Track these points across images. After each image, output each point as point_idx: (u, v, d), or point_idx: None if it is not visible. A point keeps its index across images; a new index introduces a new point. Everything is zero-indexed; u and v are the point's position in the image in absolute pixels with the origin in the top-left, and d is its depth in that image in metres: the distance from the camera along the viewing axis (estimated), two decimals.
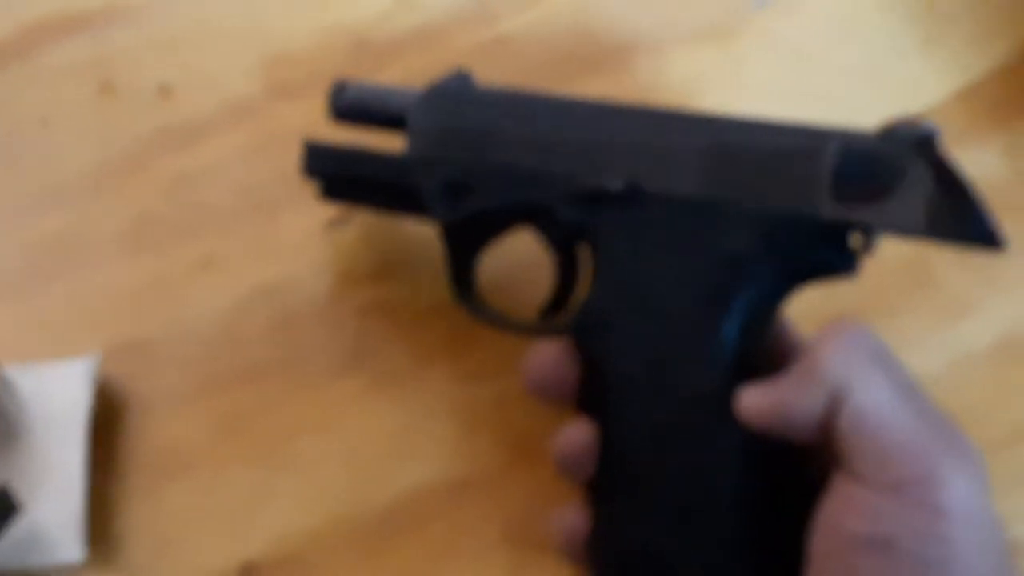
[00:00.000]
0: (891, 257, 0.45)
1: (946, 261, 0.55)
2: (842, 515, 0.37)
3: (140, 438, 0.52)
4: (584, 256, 0.48)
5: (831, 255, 0.42)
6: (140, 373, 0.53)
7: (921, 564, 0.35)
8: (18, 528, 0.48)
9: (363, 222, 0.56)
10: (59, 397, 0.51)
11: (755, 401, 0.40)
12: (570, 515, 0.44)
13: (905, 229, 0.40)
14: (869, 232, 0.41)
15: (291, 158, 0.55)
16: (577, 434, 0.43)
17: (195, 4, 0.62)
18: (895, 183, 0.40)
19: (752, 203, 0.42)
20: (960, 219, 0.39)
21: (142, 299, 0.55)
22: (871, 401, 0.38)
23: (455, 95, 0.50)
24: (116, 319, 0.54)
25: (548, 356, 0.45)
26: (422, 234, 0.55)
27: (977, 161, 0.56)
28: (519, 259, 0.55)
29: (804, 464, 0.41)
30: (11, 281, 0.55)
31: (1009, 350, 0.54)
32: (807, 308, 0.47)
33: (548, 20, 0.62)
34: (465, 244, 0.50)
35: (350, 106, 0.52)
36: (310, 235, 0.56)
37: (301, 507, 0.51)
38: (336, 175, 0.51)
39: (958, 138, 0.58)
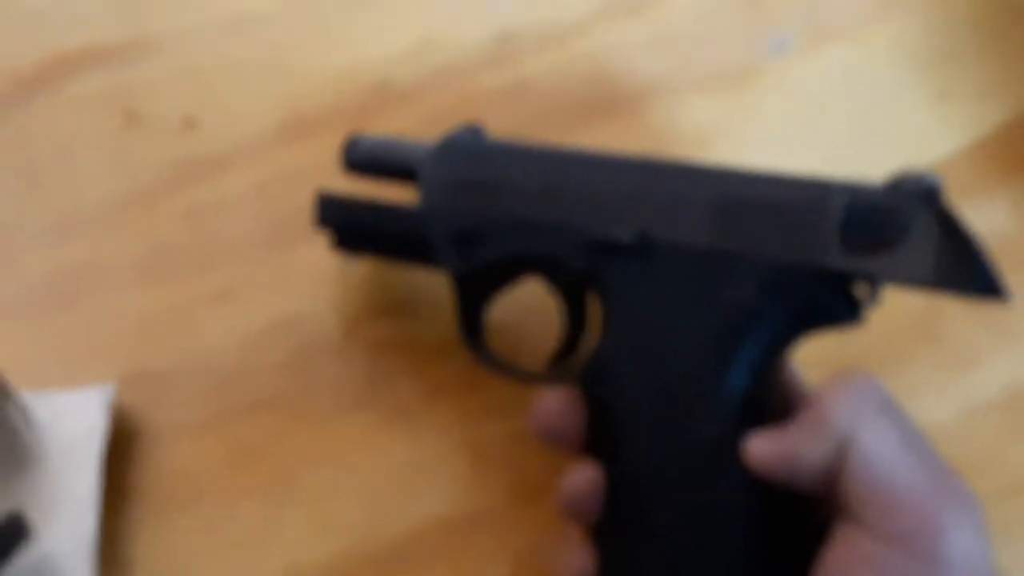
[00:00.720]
0: (899, 308, 0.45)
1: (954, 313, 0.55)
2: (846, 564, 0.38)
3: (152, 467, 0.52)
4: (593, 304, 0.49)
5: (837, 304, 0.43)
6: (153, 402, 0.54)
7: None
8: (30, 554, 0.49)
9: (377, 259, 0.57)
10: (74, 425, 0.52)
11: (762, 448, 0.40)
12: (577, 556, 0.44)
13: (912, 280, 0.41)
14: (875, 282, 0.42)
15: (309, 195, 0.56)
16: (584, 476, 0.44)
17: (220, 38, 0.63)
18: (902, 235, 0.41)
19: (760, 253, 0.43)
20: (966, 270, 0.40)
21: (157, 329, 0.55)
22: (877, 451, 0.38)
23: (466, 148, 0.50)
24: (131, 348, 0.55)
25: (555, 403, 0.46)
26: (436, 272, 0.56)
27: (986, 215, 0.57)
28: (528, 305, 0.56)
29: (807, 513, 0.42)
30: (29, 307, 0.56)
31: (1015, 401, 0.54)
32: (816, 357, 0.47)
33: (566, 64, 0.63)
34: (475, 293, 0.50)
35: (362, 159, 0.53)
36: (325, 270, 0.57)
37: (310, 539, 0.51)
38: (348, 226, 0.52)
39: (967, 192, 0.59)
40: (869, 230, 0.42)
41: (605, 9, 0.64)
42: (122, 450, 0.52)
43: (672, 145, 0.53)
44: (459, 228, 0.49)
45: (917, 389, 0.42)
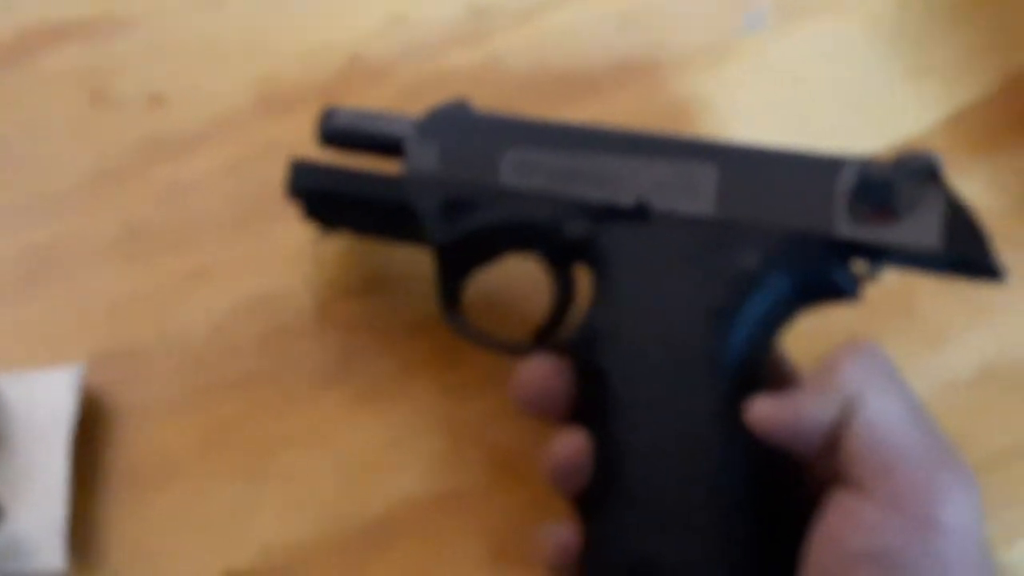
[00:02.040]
0: (874, 287, 0.45)
1: (928, 291, 0.55)
2: (842, 529, 0.38)
3: (125, 447, 0.52)
4: (580, 279, 0.49)
5: (840, 277, 0.44)
6: (126, 382, 0.53)
7: (909, 573, 0.36)
8: (0, 534, 0.48)
9: (351, 235, 0.56)
10: (43, 405, 0.51)
11: (766, 409, 0.40)
12: (561, 530, 0.44)
13: (921, 249, 0.42)
14: (882, 253, 0.43)
15: (281, 172, 0.55)
16: (571, 443, 0.43)
17: (189, 15, 0.62)
18: (910, 207, 0.42)
19: (765, 222, 0.44)
20: (971, 241, 0.42)
21: (129, 308, 0.55)
22: (882, 414, 0.39)
23: (455, 119, 0.50)
24: (103, 328, 0.54)
25: (538, 370, 0.45)
26: (411, 249, 0.55)
27: (962, 190, 0.56)
28: (505, 284, 0.55)
29: (799, 482, 0.42)
30: None
31: (990, 378, 0.54)
32: (795, 336, 0.47)
33: (540, 41, 0.63)
34: (457, 265, 0.50)
35: (340, 131, 0.52)
36: (299, 248, 0.56)
37: (286, 519, 0.51)
38: (325, 194, 0.51)
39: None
40: (878, 202, 0.43)
41: None
42: (95, 430, 0.52)
43: (649, 122, 0.53)
44: (447, 196, 0.48)
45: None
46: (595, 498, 0.43)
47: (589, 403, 0.45)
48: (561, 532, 0.44)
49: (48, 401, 0.51)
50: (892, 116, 0.61)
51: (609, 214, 0.46)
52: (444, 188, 0.49)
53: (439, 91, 0.57)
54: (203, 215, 0.57)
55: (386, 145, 0.51)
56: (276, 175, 0.55)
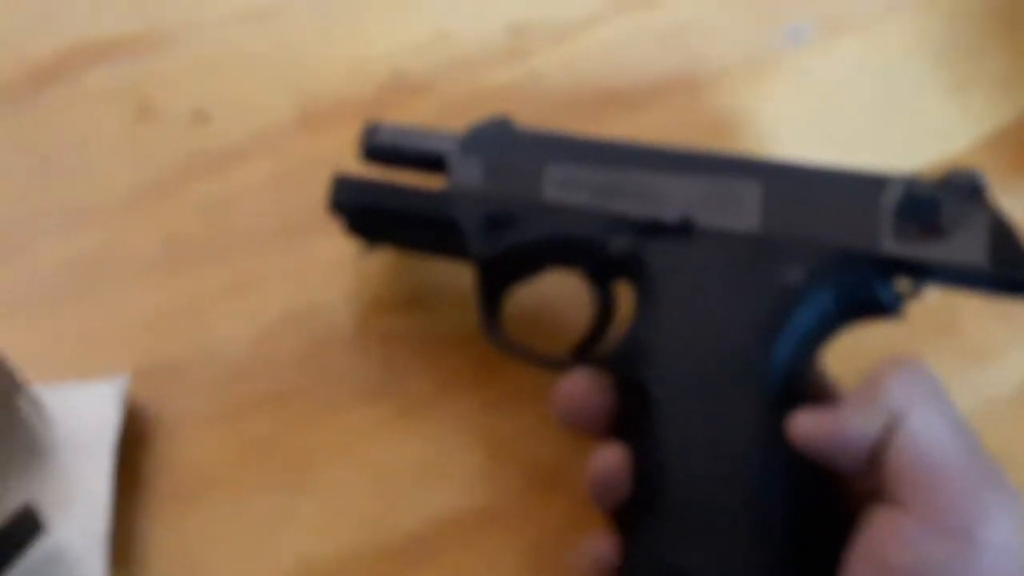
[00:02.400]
0: (916, 302, 0.45)
1: (970, 307, 0.55)
2: (882, 544, 0.37)
3: (166, 459, 0.52)
4: (621, 295, 0.49)
5: (884, 292, 0.44)
6: (167, 395, 0.54)
7: None
8: (42, 548, 0.48)
9: (393, 250, 0.57)
10: (87, 417, 0.51)
11: (808, 423, 0.40)
12: (598, 544, 0.44)
13: (967, 267, 0.42)
14: (927, 271, 0.43)
15: (323, 186, 0.56)
16: (610, 457, 0.43)
17: (231, 32, 0.63)
18: (956, 225, 0.43)
19: (811, 239, 0.44)
20: (1017, 259, 0.42)
21: (171, 321, 0.55)
22: (926, 431, 0.38)
23: (499, 135, 0.50)
24: (145, 340, 0.55)
25: (579, 384, 0.46)
26: (450, 265, 0.55)
27: (1005, 206, 0.56)
28: (545, 301, 0.56)
29: (838, 499, 0.42)
30: (43, 299, 0.56)
31: None
32: (836, 352, 0.47)
33: (581, 57, 0.63)
34: (498, 280, 0.50)
35: (383, 146, 0.52)
36: (339, 262, 0.57)
37: (324, 531, 0.51)
38: (367, 209, 0.51)
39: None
40: (923, 220, 0.43)
41: (616, 2, 0.64)
42: (135, 442, 0.52)
43: (688, 137, 0.53)
44: (490, 211, 0.49)
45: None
46: (633, 512, 0.43)
47: (630, 416, 0.45)
48: (598, 546, 0.44)
49: (92, 413, 0.52)
50: (934, 132, 0.61)
51: (653, 230, 0.46)
52: (487, 203, 0.49)
53: (479, 107, 0.57)
54: (245, 229, 0.57)
55: (429, 161, 0.51)
56: (317, 190, 0.56)
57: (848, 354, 0.47)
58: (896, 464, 0.38)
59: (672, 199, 0.46)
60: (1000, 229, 0.42)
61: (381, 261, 0.57)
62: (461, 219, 0.49)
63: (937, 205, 0.43)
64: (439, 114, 0.60)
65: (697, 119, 0.61)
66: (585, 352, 0.50)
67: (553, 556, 0.48)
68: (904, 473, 0.38)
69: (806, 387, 0.44)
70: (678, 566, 0.41)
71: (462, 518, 0.51)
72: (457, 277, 0.56)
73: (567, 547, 0.45)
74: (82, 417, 0.51)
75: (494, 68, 0.62)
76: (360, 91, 0.60)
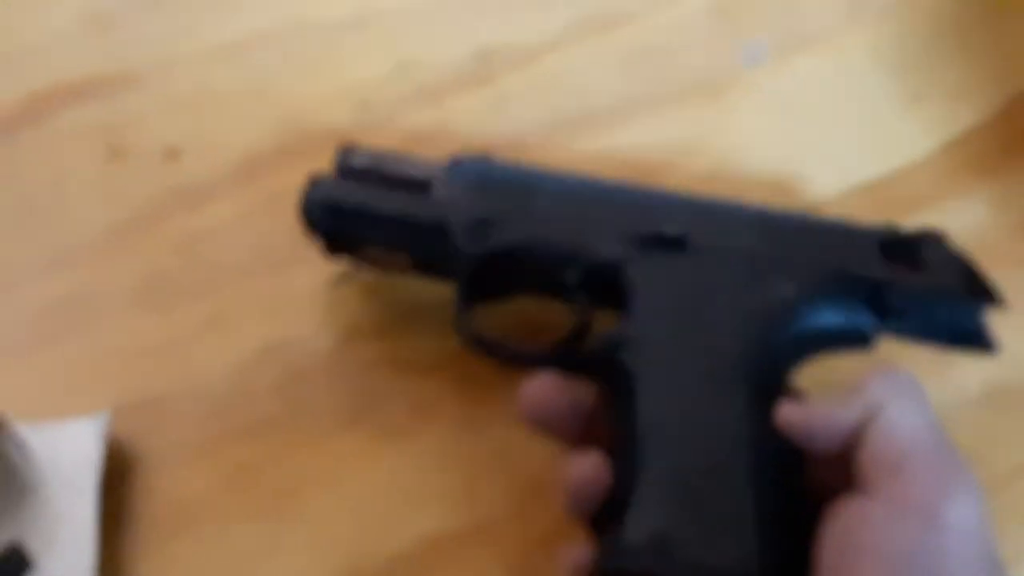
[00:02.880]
0: None
1: None
2: (851, 527, 0.39)
3: (149, 494, 0.53)
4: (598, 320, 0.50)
5: (864, 320, 0.47)
6: (149, 430, 0.54)
7: (915, 571, 0.37)
8: None
9: (367, 278, 0.57)
10: (70, 454, 0.52)
11: (796, 409, 0.43)
12: (577, 551, 0.44)
13: (944, 288, 0.47)
14: (903, 303, 0.47)
15: (294, 219, 0.57)
16: (588, 463, 0.44)
17: (199, 68, 0.64)
18: (932, 264, 0.47)
19: (803, 260, 0.47)
20: (981, 286, 0.47)
21: (151, 357, 0.56)
22: (900, 421, 0.41)
23: (482, 166, 0.52)
24: (125, 377, 0.55)
25: (545, 386, 0.47)
26: (425, 290, 0.56)
27: (963, 213, 0.58)
28: (518, 321, 0.56)
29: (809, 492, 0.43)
30: (22, 340, 0.56)
31: (997, 398, 0.55)
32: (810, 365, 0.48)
33: (544, 81, 0.64)
34: (478, 285, 0.51)
35: (359, 168, 0.53)
36: (315, 292, 0.57)
37: (308, 559, 0.51)
38: (344, 210, 0.51)
39: (944, 191, 0.60)
40: (905, 257, 0.47)
41: (578, 26, 0.65)
42: (119, 478, 0.53)
43: (651, 157, 0.54)
44: (479, 215, 0.50)
45: None
46: (611, 510, 0.44)
47: (612, 410, 0.46)
48: (577, 553, 0.44)
49: (74, 450, 0.52)
50: (894, 142, 0.63)
51: (649, 242, 0.48)
52: (478, 209, 0.50)
53: (447, 133, 0.58)
54: (220, 263, 0.58)
55: (407, 187, 0.51)
56: (290, 221, 0.56)
57: (819, 366, 0.48)
58: (868, 449, 0.40)
59: (666, 219, 0.48)
60: (971, 268, 0.47)
61: (357, 289, 0.58)
62: (450, 217, 0.50)
63: (915, 246, 0.48)
64: (408, 141, 0.61)
65: (662, 138, 0.62)
66: (560, 349, 0.50)
67: (539, 569, 0.48)
68: (874, 458, 0.40)
69: (785, 395, 0.45)
70: (668, 529, 0.41)
71: (446, 538, 0.52)
72: (433, 302, 0.56)
73: (550, 558, 0.45)
74: (65, 455, 0.52)
75: (461, 94, 0.63)
76: (330, 123, 0.61)
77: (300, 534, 0.52)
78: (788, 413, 0.43)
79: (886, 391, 0.42)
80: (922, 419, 0.41)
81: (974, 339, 0.47)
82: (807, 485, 0.43)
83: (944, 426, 0.51)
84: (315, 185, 0.52)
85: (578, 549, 0.44)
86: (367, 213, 0.51)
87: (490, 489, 0.53)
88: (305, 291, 0.58)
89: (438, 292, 0.54)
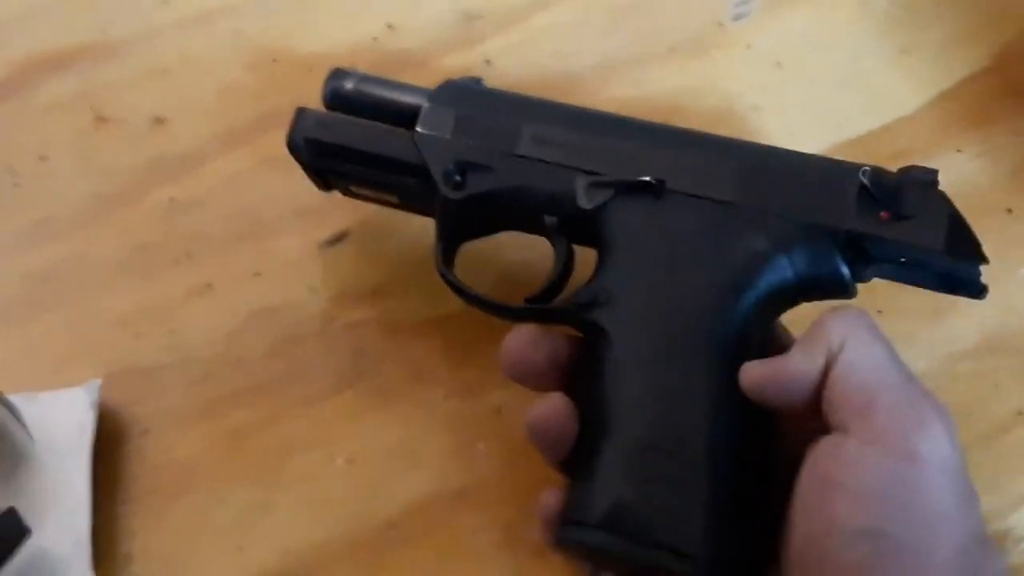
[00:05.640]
0: None
1: None
2: (824, 466, 0.39)
3: (143, 460, 0.53)
4: (580, 262, 0.50)
5: (841, 269, 0.46)
6: (141, 397, 0.54)
7: (891, 504, 0.38)
8: (27, 552, 0.49)
9: (356, 240, 0.58)
10: (63, 423, 0.52)
11: (758, 369, 0.42)
12: (553, 499, 0.45)
13: (923, 247, 0.45)
14: (882, 252, 0.46)
15: (283, 181, 0.57)
16: (553, 403, 0.45)
17: (182, 36, 0.64)
18: (916, 213, 0.45)
19: (778, 212, 0.46)
20: (968, 242, 0.45)
21: (141, 325, 0.56)
22: (862, 359, 0.41)
23: (470, 91, 0.51)
24: (116, 345, 0.55)
25: (524, 338, 0.47)
26: (414, 251, 0.57)
27: (952, 166, 0.58)
28: (501, 265, 0.57)
29: (790, 443, 0.43)
30: (11, 311, 0.56)
31: (992, 347, 0.55)
32: (798, 315, 0.48)
33: (530, 42, 0.64)
34: (460, 226, 0.51)
35: (349, 93, 0.52)
36: (304, 257, 0.57)
37: (303, 521, 0.51)
38: (330, 145, 0.51)
39: (933, 145, 0.60)
40: (885, 204, 0.45)
41: None
42: (112, 444, 0.53)
43: (640, 115, 0.54)
44: (462, 158, 0.49)
45: (896, 340, 0.43)
46: (579, 456, 0.44)
47: (582, 361, 0.46)
48: (554, 500, 0.45)
49: (67, 419, 0.52)
50: (884, 96, 0.62)
51: (625, 187, 0.47)
52: (460, 150, 0.49)
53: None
54: (208, 231, 0.58)
55: (395, 113, 0.51)
56: (277, 187, 0.57)
57: (810, 313, 0.48)
58: (835, 392, 0.40)
59: (646, 164, 0.47)
60: (956, 221, 0.45)
61: (346, 252, 0.58)
62: (431, 161, 0.49)
63: (899, 191, 0.45)
64: None
65: (648, 96, 0.62)
66: (536, 302, 0.50)
67: (532, 526, 0.48)
68: (842, 398, 0.40)
69: (761, 348, 0.45)
70: (627, 499, 0.42)
71: (439, 499, 0.52)
72: (422, 264, 0.56)
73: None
74: (58, 423, 0.52)
75: (447, 57, 0.63)
76: (314, 88, 0.60)
77: (294, 497, 0.52)
78: (751, 372, 0.42)
79: (842, 330, 0.41)
80: (882, 354, 0.41)
81: (961, 286, 0.46)
82: (789, 436, 0.43)
83: (937, 380, 0.52)
84: (300, 118, 0.52)
85: (555, 496, 0.45)
86: (348, 152, 0.51)
87: (482, 451, 0.53)
88: (294, 256, 0.58)
89: (428, 252, 0.54)
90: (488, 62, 0.63)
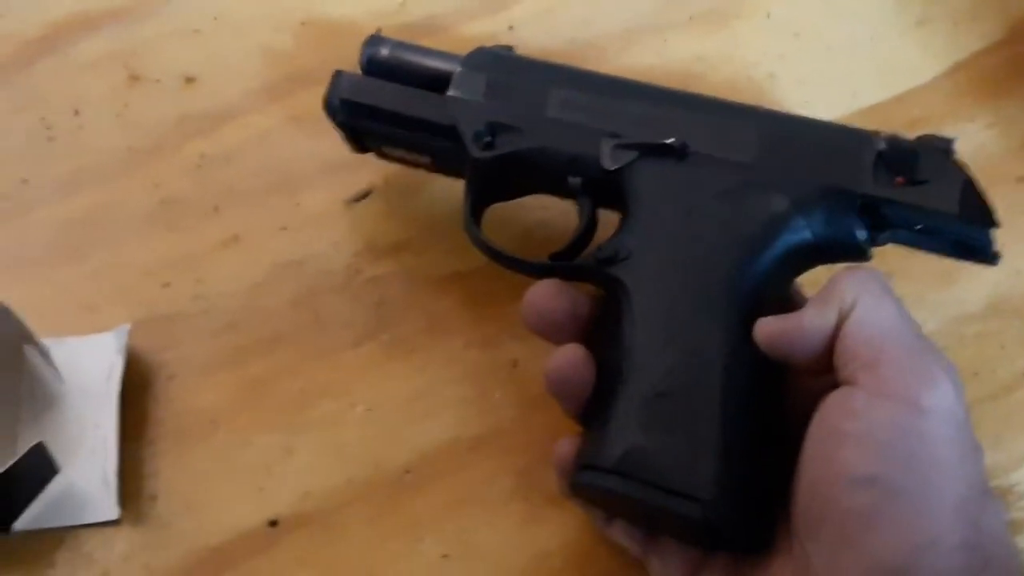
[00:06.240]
0: None
1: None
2: (832, 416, 0.41)
3: (168, 404, 0.54)
4: (603, 224, 0.51)
5: (858, 232, 0.47)
6: (168, 344, 0.56)
7: (894, 452, 0.39)
8: (55, 489, 0.51)
9: (381, 197, 0.59)
10: (92, 367, 0.54)
11: (772, 323, 0.44)
12: (569, 446, 0.46)
13: (938, 211, 0.46)
14: (898, 217, 0.47)
15: (311, 139, 0.58)
16: (571, 353, 0.46)
17: None
18: (932, 178, 0.46)
19: (797, 175, 0.47)
20: (982, 207, 0.46)
21: (169, 274, 0.57)
22: (873, 315, 0.42)
23: (502, 58, 0.53)
24: (145, 294, 0.57)
25: (547, 292, 0.48)
26: (437, 208, 0.58)
27: (966, 135, 0.58)
28: (525, 227, 0.58)
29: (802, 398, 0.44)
30: (45, 257, 0.58)
31: (1000, 310, 0.56)
32: (812, 278, 0.49)
33: (553, 10, 0.65)
34: (488, 187, 0.52)
35: (384, 58, 0.54)
36: (330, 211, 0.59)
37: (323, 466, 0.53)
38: (366, 107, 0.53)
39: (948, 115, 0.61)
40: (901, 170, 0.47)
41: None
42: (139, 389, 0.54)
43: (660, 82, 0.55)
44: (492, 120, 0.51)
45: (905, 301, 0.44)
46: (596, 406, 0.46)
47: (602, 315, 0.48)
48: (569, 447, 0.46)
49: (96, 363, 0.54)
50: (900, 66, 0.63)
51: (649, 149, 0.48)
52: (490, 112, 0.51)
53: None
54: (236, 185, 0.60)
55: (429, 78, 0.53)
56: (304, 144, 0.58)
57: (818, 279, 0.49)
58: (846, 346, 0.41)
59: (669, 127, 0.49)
60: (970, 187, 0.46)
61: (370, 208, 0.59)
62: (461, 123, 0.51)
63: (915, 157, 0.47)
64: None
65: (668, 64, 0.63)
66: (560, 259, 0.51)
67: (546, 474, 0.50)
68: (852, 351, 0.41)
69: (777, 307, 0.46)
70: (641, 446, 0.43)
71: (454, 447, 0.53)
72: (445, 220, 0.58)
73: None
74: (87, 366, 0.54)
75: (472, 22, 0.65)
76: (343, 50, 0.61)
77: (314, 444, 0.54)
78: (765, 327, 0.44)
79: (855, 288, 0.42)
80: (893, 311, 0.42)
81: (975, 252, 0.47)
82: (797, 401, 0.44)
83: (946, 342, 0.52)
84: (337, 81, 0.53)
85: (570, 445, 0.46)
86: (383, 114, 0.53)
87: (499, 400, 0.54)
88: (320, 210, 0.59)
89: (451, 209, 0.56)
90: (511, 28, 0.64)
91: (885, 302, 0.42)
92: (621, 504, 0.45)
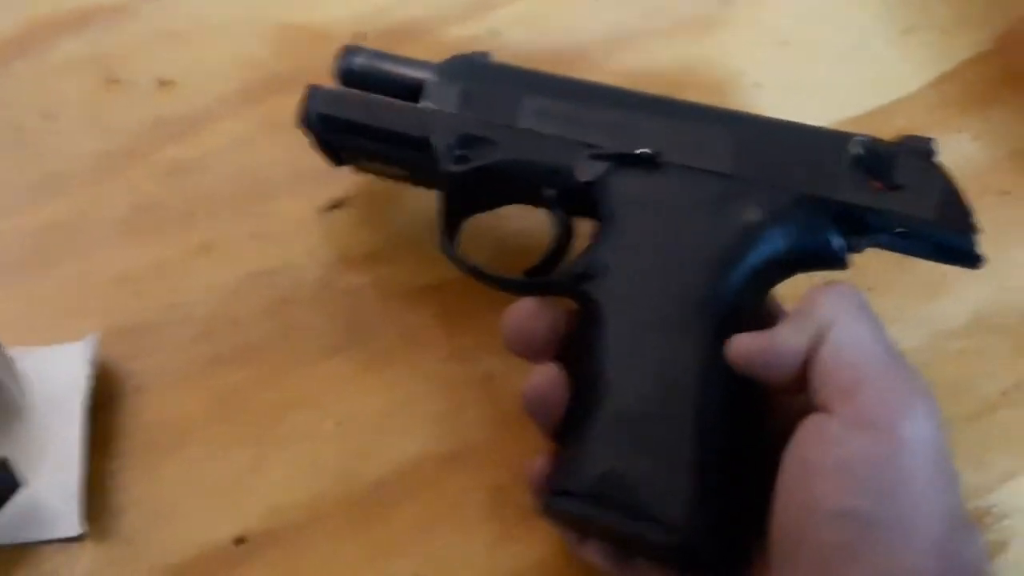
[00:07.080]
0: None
1: None
2: (809, 445, 0.40)
3: (137, 416, 0.53)
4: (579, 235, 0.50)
5: (835, 241, 0.46)
6: (137, 354, 0.55)
7: (871, 486, 0.38)
8: (19, 503, 0.50)
9: (356, 206, 0.58)
10: (59, 377, 0.53)
11: (745, 342, 0.43)
12: (542, 463, 0.46)
13: (916, 218, 0.45)
14: (876, 223, 0.46)
15: (286, 146, 0.57)
16: (548, 373, 0.46)
17: (194, 1, 0.64)
18: (910, 183, 0.45)
19: (773, 184, 0.46)
20: (961, 214, 0.45)
21: (140, 283, 0.56)
22: (849, 339, 0.41)
23: (476, 66, 0.52)
24: (114, 302, 0.56)
25: (525, 310, 0.47)
26: (413, 217, 0.57)
27: (952, 145, 0.58)
28: (501, 237, 0.57)
29: (779, 418, 0.43)
30: (13, 265, 0.57)
31: (983, 325, 0.55)
32: (791, 286, 0.48)
33: (537, 14, 0.65)
34: (462, 201, 0.51)
35: (359, 68, 0.54)
36: (304, 220, 0.58)
37: (293, 481, 0.52)
38: (340, 121, 0.52)
39: (935, 124, 0.60)
40: (878, 175, 0.45)
41: None
42: (108, 400, 0.53)
43: (645, 88, 0.54)
44: (465, 132, 0.50)
45: (887, 317, 0.43)
46: (570, 425, 0.45)
47: (576, 332, 0.47)
48: (542, 464, 0.46)
49: (63, 373, 0.53)
50: (887, 75, 0.62)
51: (622, 160, 0.48)
52: (463, 124, 0.50)
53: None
54: (210, 192, 0.59)
55: (404, 88, 0.52)
56: (280, 150, 0.57)
57: (804, 289, 0.49)
58: (822, 369, 0.40)
59: (643, 136, 0.48)
60: (950, 191, 0.45)
61: (346, 217, 0.58)
62: (434, 136, 0.50)
63: (893, 161, 0.45)
64: None
65: (653, 71, 0.62)
66: (535, 275, 0.51)
67: (519, 493, 0.49)
68: (829, 377, 0.40)
69: (754, 320, 0.45)
70: (608, 466, 0.42)
71: (427, 463, 0.52)
72: (420, 231, 0.57)
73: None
74: (53, 377, 0.53)
75: (452, 28, 0.64)
76: (321, 56, 0.60)
77: (284, 457, 0.53)
78: (739, 346, 0.43)
79: (831, 308, 0.41)
80: (871, 334, 0.41)
81: (957, 256, 0.46)
82: (778, 410, 0.43)
83: (928, 357, 0.52)
84: (312, 95, 0.53)
85: (543, 461, 0.46)
86: (357, 127, 0.52)
87: (474, 415, 0.54)
88: (294, 219, 0.58)
89: (427, 219, 0.55)
90: (494, 33, 0.63)
91: (862, 322, 0.41)
92: (595, 527, 0.45)
